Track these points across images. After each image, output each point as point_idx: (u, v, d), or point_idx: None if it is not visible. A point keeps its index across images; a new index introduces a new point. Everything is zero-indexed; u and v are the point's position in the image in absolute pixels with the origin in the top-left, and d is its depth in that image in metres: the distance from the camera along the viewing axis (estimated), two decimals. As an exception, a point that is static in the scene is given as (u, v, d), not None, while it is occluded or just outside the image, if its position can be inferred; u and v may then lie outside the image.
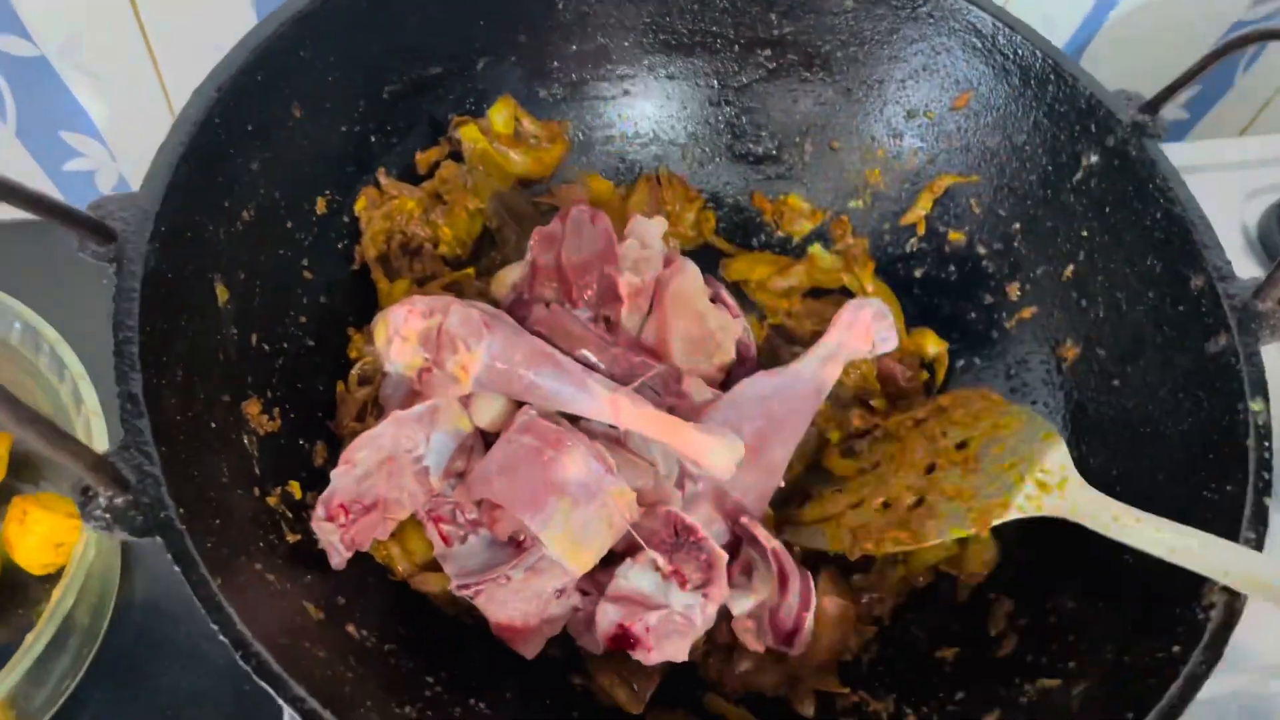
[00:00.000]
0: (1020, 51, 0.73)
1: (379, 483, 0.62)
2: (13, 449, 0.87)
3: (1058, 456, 0.62)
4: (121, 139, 1.10)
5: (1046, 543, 0.65)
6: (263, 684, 0.46)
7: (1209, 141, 1.11)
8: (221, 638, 0.46)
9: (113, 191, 1.14)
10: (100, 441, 0.81)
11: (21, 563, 0.84)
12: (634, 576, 0.62)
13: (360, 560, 0.63)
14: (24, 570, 0.84)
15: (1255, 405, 0.59)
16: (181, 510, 0.48)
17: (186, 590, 0.47)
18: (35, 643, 0.73)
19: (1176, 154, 0.69)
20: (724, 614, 0.65)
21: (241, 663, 0.46)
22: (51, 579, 0.87)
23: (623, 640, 0.61)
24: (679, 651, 0.60)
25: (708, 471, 0.63)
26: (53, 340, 0.84)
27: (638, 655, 0.60)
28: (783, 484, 0.71)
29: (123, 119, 1.08)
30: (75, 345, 0.84)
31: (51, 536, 0.84)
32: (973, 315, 0.78)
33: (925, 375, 0.79)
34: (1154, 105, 0.69)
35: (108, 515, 0.47)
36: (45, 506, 0.84)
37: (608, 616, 0.61)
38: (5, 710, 0.75)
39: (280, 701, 0.46)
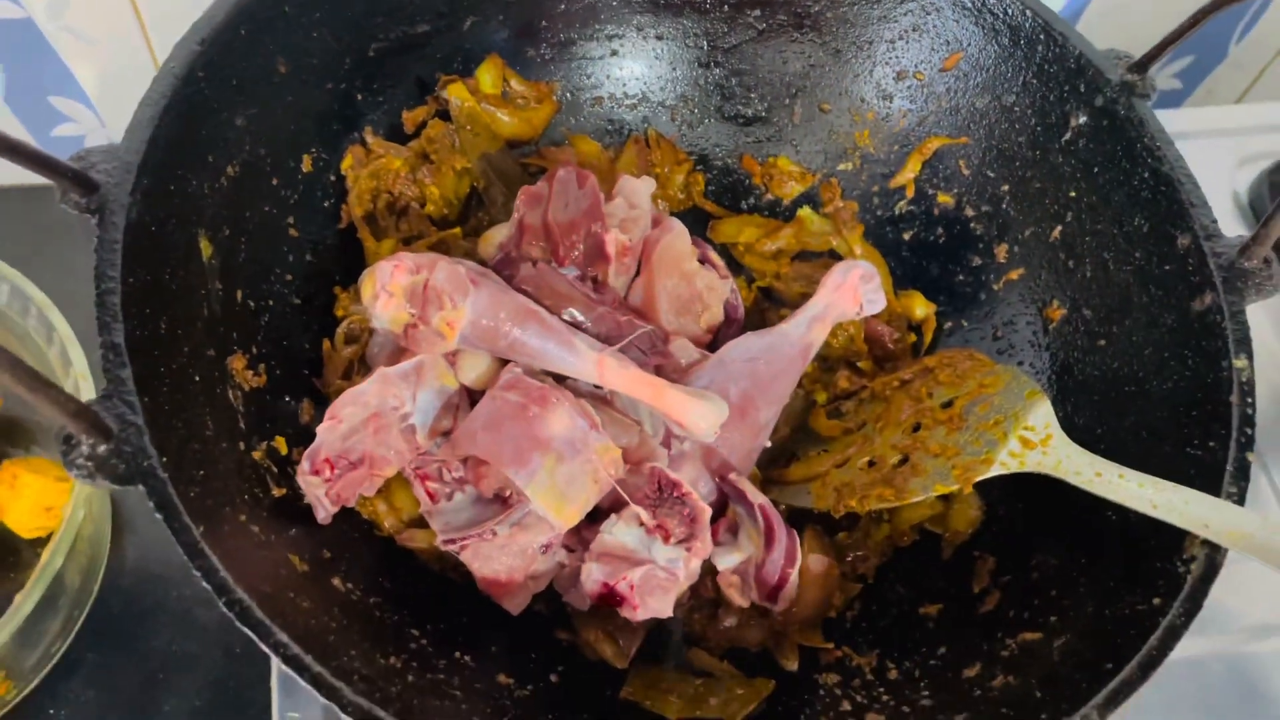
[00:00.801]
0: (1010, 10, 0.72)
1: (365, 439, 0.62)
2: (2, 413, 0.87)
3: (1042, 414, 0.62)
4: (110, 104, 1.09)
5: (1030, 501, 0.66)
6: (245, 630, 0.46)
7: (1201, 109, 1.11)
8: (204, 584, 0.46)
9: (102, 157, 1.13)
10: (89, 403, 0.81)
11: (12, 526, 0.84)
12: (618, 532, 0.63)
13: (346, 516, 0.64)
14: (14, 534, 0.84)
15: (1239, 362, 0.59)
16: (164, 459, 0.48)
17: (177, 553, 0.47)
18: (24, 602, 0.73)
19: (1169, 121, 0.69)
20: (709, 570, 0.65)
21: (225, 609, 0.46)
22: (42, 543, 0.88)
23: (608, 598, 0.61)
24: (664, 607, 0.60)
25: (690, 433, 0.63)
26: (41, 303, 0.84)
27: (624, 612, 0.61)
28: (769, 444, 0.71)
29: (111, 83, 1.07)
30: (63, 308, 0.84)
31: (41, 500, 0.84)
32: (960, 277, 0.78)
33: (913, 337, 0.79)
34: (1143, 65, 0.68)
35: (90, 463, 0.47)
36: (35, 470, 0.84)
37: (592, 575, 0.61)
38: (-3, 672, 0.75)
39: (264, 648, 0.46)
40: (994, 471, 0.61)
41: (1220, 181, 1.02)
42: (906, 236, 0.81)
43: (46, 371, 0.88)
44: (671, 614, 0.61)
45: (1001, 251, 0.76)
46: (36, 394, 0.44)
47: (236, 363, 0.62)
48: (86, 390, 0.82)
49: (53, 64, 1.03)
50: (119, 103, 1.10)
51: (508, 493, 0.63)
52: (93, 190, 0.53)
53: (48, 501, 0.84)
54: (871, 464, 0.68)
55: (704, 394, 0.64)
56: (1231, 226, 0.99)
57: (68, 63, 1.04)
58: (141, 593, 0.87)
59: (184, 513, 0.47)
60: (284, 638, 0.46)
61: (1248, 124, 1.08)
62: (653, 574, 0.61)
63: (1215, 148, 1.04)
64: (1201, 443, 0.59)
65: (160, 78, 0.58)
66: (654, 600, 0.60)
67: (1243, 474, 0.56)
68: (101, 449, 0.47)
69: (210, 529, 0.48)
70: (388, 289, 0.64)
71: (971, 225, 0.78)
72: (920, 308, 0.78)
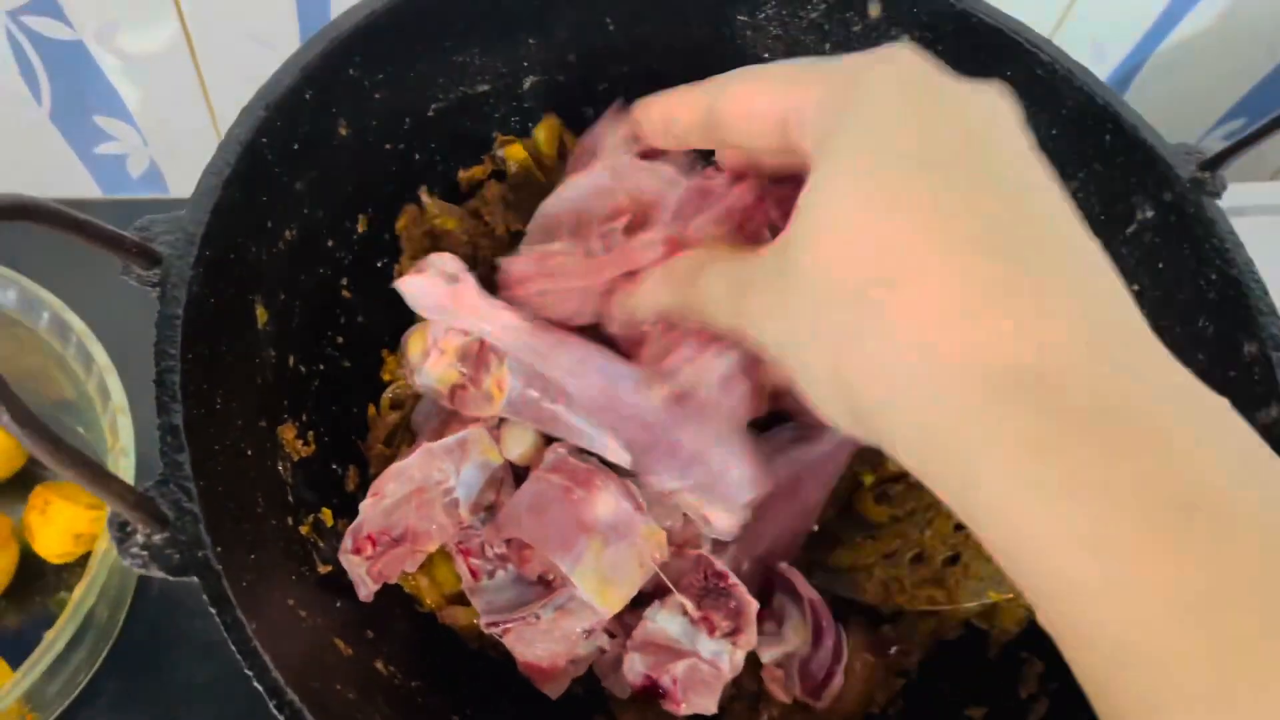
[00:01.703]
0: (1078, 98, 0.71)
1: (408, 514, 0.62)
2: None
3: (1100, 523, 0.61)
4: (154, 123, 1.10)
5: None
6: (296, 735, 0.45)
7: (1252, 185, 1.09)
8: (256, 684, 0.46)
9: (142, 175, 1.14)
10: (126, 437, 0.81)
11: (40, 552, 0.85)
12: (662, 620, 0.62)
13: (388, 592, 0.63)
14: (41, 559, 0.85)
15: (1306, 483, 0.58)
16: (218, 549, 0.47)
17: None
18: (56, 640, 0.74)
19: (1229, 196, 0.67)
20: (751, 661, 0.64)
21: (276, 712, 0.45)
22: (68, 568, 0.88)
23: (651, 691, 0.60)
24: (709, 704, 0.60)
25: (711, 529, 0.63)
26: (81, 333, 0.84)
27: (667, 707, 0.60)
28: (816, 528, 0.70)
29: (156, 103, 1.07)
30: (102, 336, 0.84)
31: (71, 527, 0.85)
32: (1015, 362, 0.77)
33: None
34: (1214, 163, 0.67)
35: (145, 553, 0.46)
36: (67, 497, 0.85)
37: (635, 667, 0.60)
38: (21, 703, 0.75)
39: (311, 751, 0.46)
40: (1050, 583, 0.59)
41: (1273, 259, 1.01)
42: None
43: (84, 401, 0.88)
44: (715, 711, 0.60)
45: (1058, 339, 0.75)
46: (99, 488, 0.44)
47: (287, 432, 0.61)
48: (124, 424, 0.82)
49: (99, 84, 1.04)
50: (163, 123, 1.10)
51: (551, 576, 0.62)
52: (156, 263, 0.52)
53: (78, 529, 0.84)
54: (919, 558, 0.67)
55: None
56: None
57: (115, 84, 1.04)
58: (165, 621, 0.88)
59: (238, 608, 0.46)
60: (334, 742, 0.46)
61: (1302, 200, 1.06)
62: (696, 668, 0.60)
63: (1266, 225, 1.03)
64: (1263, 564, 0.58)
65: (225, 145, 0.57)
66: (697, 696, 0.59)
67: (1307, 603, 0.55)
68: (157, 538, 0.46)
69: (262, 622, 0.48)
70: (440, 346, 0.63)
71: (1027, 310, 0.76)
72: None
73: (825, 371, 0.40)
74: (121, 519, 0.46)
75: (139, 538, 0.46)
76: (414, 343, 0.64)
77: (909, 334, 0.35)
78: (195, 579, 0.46)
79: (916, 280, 0.35)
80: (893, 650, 0.68)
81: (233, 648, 0.46)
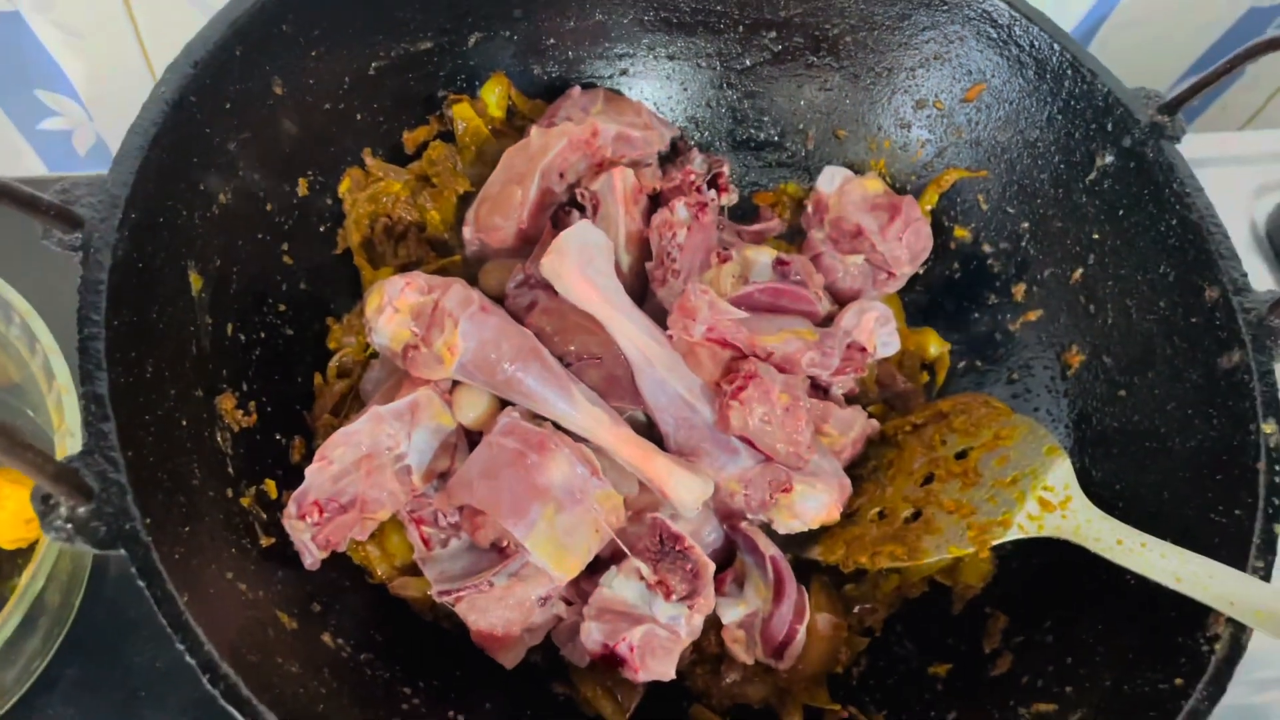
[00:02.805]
0: (1037, 44, 0.70)
1: (357, 481, 0.60)
2: (-19, 425, 0.84)
3: (1062, 473, 0.60)
4: (99, 98, 1.07)
5: (1044, 556, 0.63)
6: (230, 708, 0.44)
7: (1216, 134, 1.08)
8: (189, 659, 0.44)
9: (90, 152, 1.11)
10: (72, 417, 0.79)
11: (-8, 537, 0.82)
12: (618, 586, 0.61)
13: (337, 563, 0.61)
14: (-6, 545, 0.82)
15: (1268, 427, 0.57)
16: (148, 520, 0.46)
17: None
18: (3, 625, 0.71)
19: (1185, 146, 0.66)
20: (713, 624, 0.63)
21: (209, 686, 0.44)
22: (22, 553, 0.86)
23: (608, 659, 0.59)
24: (666, 669, 0.58)
25: (673, 504, 0.62)
26: (24, 312, 0.81)
27: (625, 674, 0.59)
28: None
29: (100, 77, 1.04)
30: (46, 316, 0.81)
31: (22, 512, 0.82)
32: (976, 315, 0.76)
33: (925, 376, 0.77)
34: (1173, 106, 0.66)
35: (69, 525, 0.44)
36: (16, 481, 0.82)
37: (592, 635, 0.59)
38: (-27, 692, 0.73)
39: (248, 724, 0.44)
40: (1011, 535, 0.59)
41: (1237, 210, 1.00)
42: (920, 269, 0.78)
43: (29, 382, 0.85)
44: (673, 676, 0.59)
45: (1019, 291, 0.74)
46: (14, 458, 0.42)
47: (226, 402, 0.59)
48: (70, 404, 0.80)
49: (40, 58, 1.00)
50: (108, 97, 1.07)
51: (505, 543, 0.60)
52: (77, 226, 0.50)
53: (29, 513, 0.82)
54: (882, 515, 0.65)
55: (691, 467, 0.62)
56: (1248, 258, 0.96)
57: (55, 57, 1.01)
58: (123, 607, 0.85)
59: (167, 580, 0.45)
60: (272, 717, 0.44)
61: (1266, 150, 1.05)
62: (653, 633, 0.58)
63: (1231, 175, 1.02)
64: (1226, 510, 0.57)
65: (150, 104, 0.55)
66: (655, 662, 0.58)
67: (1270, 547, 0.54)
68: (81, 510, 0.44)
69: (195, 595, 0.46)
70: (394, 305, 0.62)
71: (989, 262, 0.75)
72: (934, 345, 0.76)
73: None
74: (44, 492, 0.44)
75: (63, 510, 0.44)
76: (372, 298, 0.62)
77: None
78: (123, 552, 0.45)
79: None
80: (856, 609, 0.67)
81: (163, 621, 0.44)
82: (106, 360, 0.48)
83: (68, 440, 0.78)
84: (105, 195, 0.51)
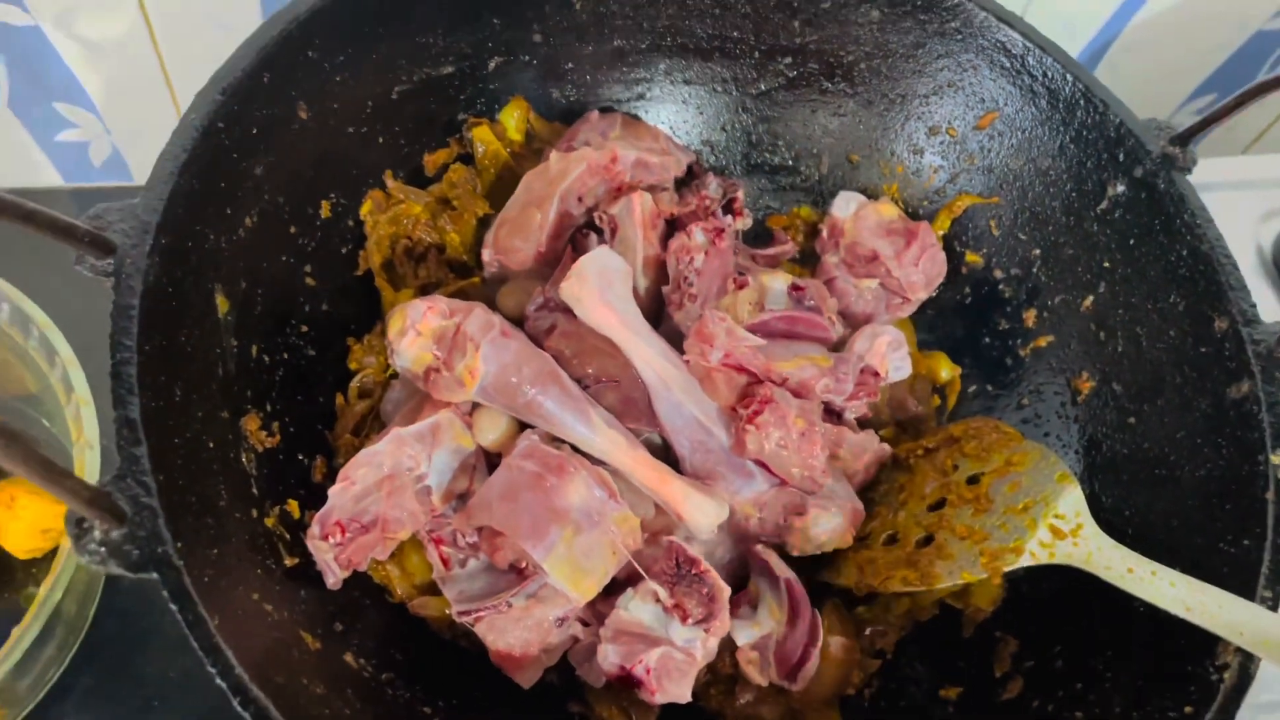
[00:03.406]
0: (1050, 74, 0.71)
1: (378, 501, 0.61)
2: (-2, 431, 0.85)
3: (1073, 501, 0.61)
4: (115, 111, 1.07)
5: (1055, 581, 0.64)
6: (260, 731, 0.45)
7: (1221, 159, 1.09)
8: (219, 682, 0.45)
9: (105, 163, 1.12)
10: (91, 430, 0.80)
11: (8, 548, 0.83)
12: (634, 608, 0.61)
13: (357, 583, 0.62)
14: (8, 555, 0.83)
15: (1276, 458, 0.58)
16: (179, 544, 0.46)
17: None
18: (23, 636, 0.72)
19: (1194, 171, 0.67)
20: (727, 645, 0.64)
21: (239, 709, 0.44)
22: (36, 563, 0.87)
23: (625, 681, 0.60)
24: (682, 692, 0.59)
25: (688, 527, 0.62)
26: (43, 325, 0.82)
27: (641, 696, 0.60)
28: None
29: (117, 90, 1.05)
30: (65, 327, 0.82)
31: (38, 523, 0.83)
32: (987, 340, 0.77)
33: (937, 400, 0.78)
34: (1185, 138, 0.67)
35: (102, 549, 0.45)
36: (33, 492, 0.83)
37: (609, 657, 0.60)
38: (-10, 700, 0.74)
39: (276, 747, 0.45)
40: (1023, 563, 0.59)
41: (1243, 234, 1.01)
42: (933, 294, 0.79)
43: (48, 394, 0.86)
44: (690, 699, 0.60)
45: (1030, 317, 0.75)
46: (52, 484, 0.43)
47: (250, 423, 0.60)
48: (88, 415, 0.81)
49: (60, 71, 1.01)
50: (125, 110, 1.08)
51: (523, 564, 0.61)
52: (110, 252, 0.51)
53: (45, 524, 0.83)
54: (894, 539, 0.66)
55: (707, 490, 0.63)
56: (1254, 282, 0.98)
57: (75, 70, 1.02)
58: (137, 617, 0.86)
59: (199, 603, 0.46)
60: (300, 739, 0.45)
61: (1272, 175, 1.06)
62: (670, 655, 0.59)
63: (1237, 200, 1.03)
64: (1235, 539, 0.58)
65: (180, 131, 0.56)
66: (671, 684, 0.59)
67: (1278, 577, 0.55)
68: (115, 534, 0.45)
69: (225, 617, 0.47)
70: (417, 328, 0.63)
71: (1000, 288, 0.76)
72: (945, 370, 0.77)
73: None
74: (78, 515, 0.45)
75: (96, 534, 0.45)
76: (394, 321, 0.63)
77: None
78: (155, 575, 0.46)
79: None
80: (868, 631, 0.68)
81: (194, 645, 0.45)
82: (139, 385, 0.49)
83: (86, 452, 0.79)
84: (136, 221, 0.52)
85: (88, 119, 1.08)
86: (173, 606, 0.45)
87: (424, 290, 0.72)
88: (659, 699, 0.59)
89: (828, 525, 0.64)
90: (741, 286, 0.69)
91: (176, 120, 1.06)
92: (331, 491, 0.60)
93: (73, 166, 1.14)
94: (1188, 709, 0.52)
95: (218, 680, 0.45)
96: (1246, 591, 0.55)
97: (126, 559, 0.45)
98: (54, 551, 0.78)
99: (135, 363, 0.49)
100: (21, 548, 0.83)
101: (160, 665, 0.83)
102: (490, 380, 0.62)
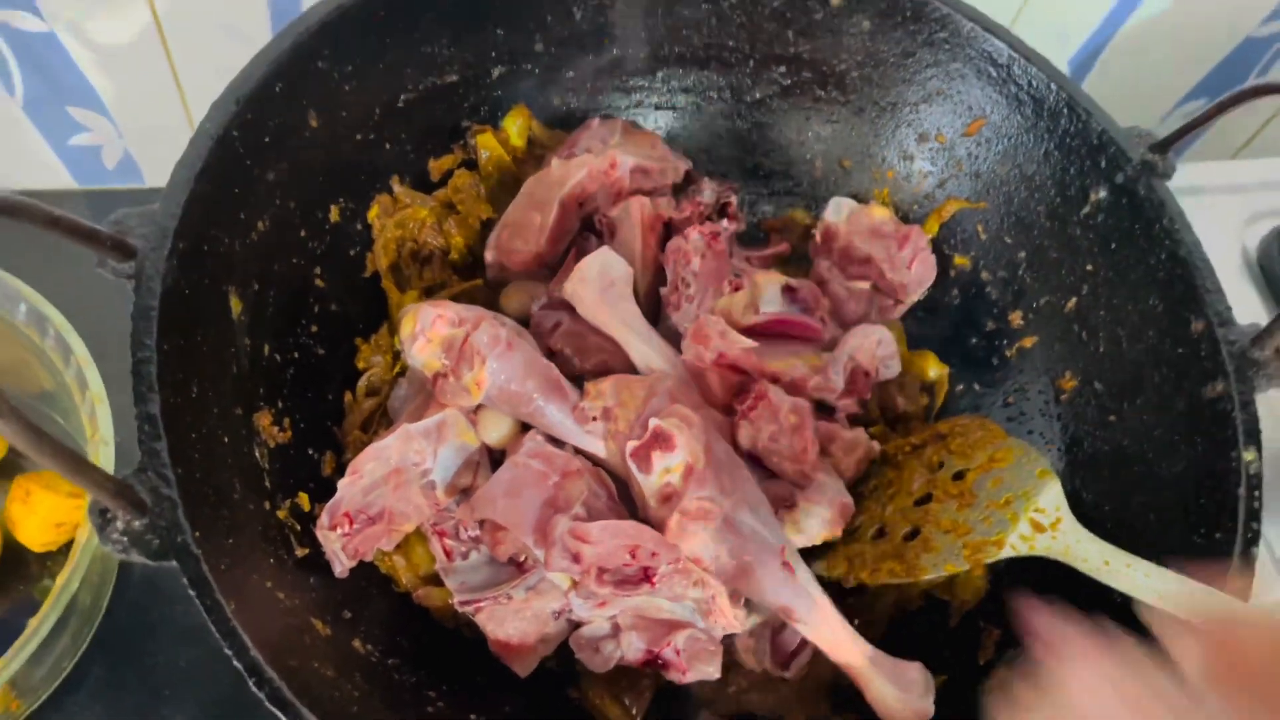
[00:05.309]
0: (1035, 83, 0.73)
1: (385, 494, 0.63)
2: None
3: (1053, 495, 0.63)
4: (127, 114, 1.09)
5: (1035, 574, 0.66)
6: (275, 710, 0.47)
7: (1209, 163, 1.11)
8: (236, 663, 0.47)
9: (117, 165, 1.14)
10: (106, 427, 0.82)
11: (23, 540, 0.85)
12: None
13: (364, 573, 0.65)
14: (23, 548, 0.85)
15: (1248, 455, 0.60)
16: (197, 533, 0.49)
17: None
18: (40, 626, 0.74)
19: (1179, 174, 0.70)
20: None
21: (255, 689, 0.47)
22: (50, 556, 0.88)
23: (653, 664, 0.62)
24: (712, 670, 0.62)
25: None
26: (59, 324, 0.84)
27: (671, 676, 0.62)
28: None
29: (129, 94, 1.07)
30: (79, 327, 0.83)
31: (53, 516, 0.85)
32: (974, 340, 0.79)
33: (925, 399, 0.80)
34: (1164, 145, 0.69)
35: (125, 538, 0.48)
36: (48, 486, 0.85)
37: (634, 644, 0.62)
38: (6, 690, 0.75)
39: (289, 724, 0.47)
40: (1005, 554, 0.62)
41: (1228, 237, 1.03)
42: (921, 296, 0.82)
43: (63, 391, 0.88)
44: (718, 675, 0.62)
45: (1016, 318, 0.77)
46: (79, 476, 0.45)
47: (263, 419, 0.62)
48: (103, 415, 0.83)
49: (73, 76, 1.03)
50: (137, 114, 1.10)
51: (522, 557, 0.64)
52: (130, 256, 0.54)
53: (59, 517, 0.84)
54: (881, 532, 0.69)
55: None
56: (1239, 287, 1.00)
57: (88, 75, 1.04)
58: (148, 608, 0.88)
59: (216, 589, 0.48)
60: (312, 717, 0.47)
61: (1258, 179, 1.08)
62: (695, 637, 0.62)
63: (1223, 203, 1.05)
64: (1208, 532, 0.60)
65: (196, 140, 0.58)
66: (701, 664, 0.62)
67: (1248, 567, 0.57)
68: (137, 524, 0.48)
69: (241, 603, 0.49)
70: (426, 335, 0.65)
71: (987, 290, 0.79)
72: (933, 369, 0.79)
73: None
74: (102, 506, 0.48)
75: (119, 524, 0.48)
76: (405, 324, 0.66)
77: None
78: (175, 563, 0.48)
79: None
80: (856, 622, 0.70)
81: (213, 629, 0.47)
82: (158, 383, 0.51)
83: (101, 448, 0.81)
84: (156, 227, 0.55)
85: (100, 122, 1.10)
86: (191, 592, 0.48)
87: (429, 291, 0.74)
88: (690, 677, 0.62)
89: (817, 519, 0.66)
90: (737, 288, 0.71)
91: (187, 123, 1.09)
92: (341, 484, 0.62)
93: (86, 169, 1.16)
94: (1160, 694, 0.55)
95: (234, 661, 0.47)
96: (1217, 582, 0.57)
97: (148, 548, 0.48)
98: (68, 545, 0.80)
99: (155, 361, 0.52)
100: (37, 541, 0.85)
101: (170, 655, 0.84)
102: (496, 391, 0.65)
